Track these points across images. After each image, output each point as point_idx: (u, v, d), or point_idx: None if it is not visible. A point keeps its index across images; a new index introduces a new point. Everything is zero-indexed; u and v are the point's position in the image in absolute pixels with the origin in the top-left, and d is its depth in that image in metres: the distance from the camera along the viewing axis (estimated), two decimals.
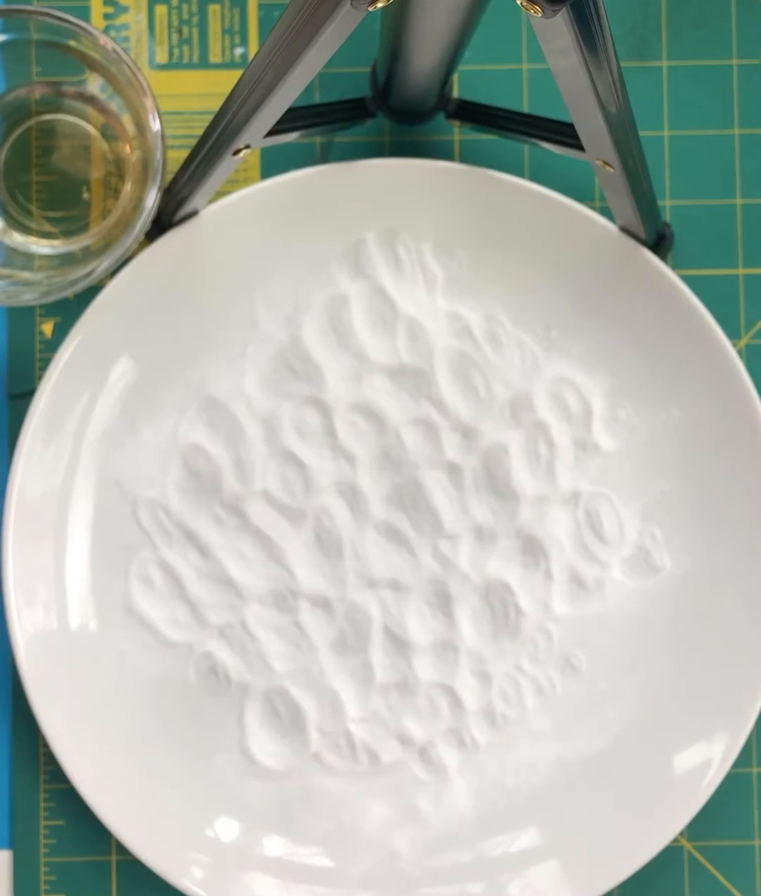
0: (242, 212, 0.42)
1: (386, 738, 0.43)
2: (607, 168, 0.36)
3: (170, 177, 0.40)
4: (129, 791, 0.42)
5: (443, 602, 0.43)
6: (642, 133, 0.36)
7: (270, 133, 0.36)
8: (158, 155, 0.38)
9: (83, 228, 0.43)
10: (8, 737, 0.44)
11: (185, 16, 0.45)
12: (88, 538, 0.43)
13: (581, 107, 0.31)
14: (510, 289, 0.43)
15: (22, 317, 0.44)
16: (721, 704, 0.42)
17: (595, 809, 0.42)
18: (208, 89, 0.45)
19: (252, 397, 0.43)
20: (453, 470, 0.43)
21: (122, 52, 0.38)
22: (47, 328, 0.44)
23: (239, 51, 0.45)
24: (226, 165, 0.37)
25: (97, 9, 0.45)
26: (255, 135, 0.35)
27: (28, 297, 0.40)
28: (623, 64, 0.38)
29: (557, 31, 0.26)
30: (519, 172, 0.44)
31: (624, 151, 0.34)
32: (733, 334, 0.45)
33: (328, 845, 0.42)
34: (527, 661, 0.43)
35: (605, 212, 0.43)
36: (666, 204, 0.45)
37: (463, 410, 0.43)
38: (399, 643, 0.43)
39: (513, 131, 0.41)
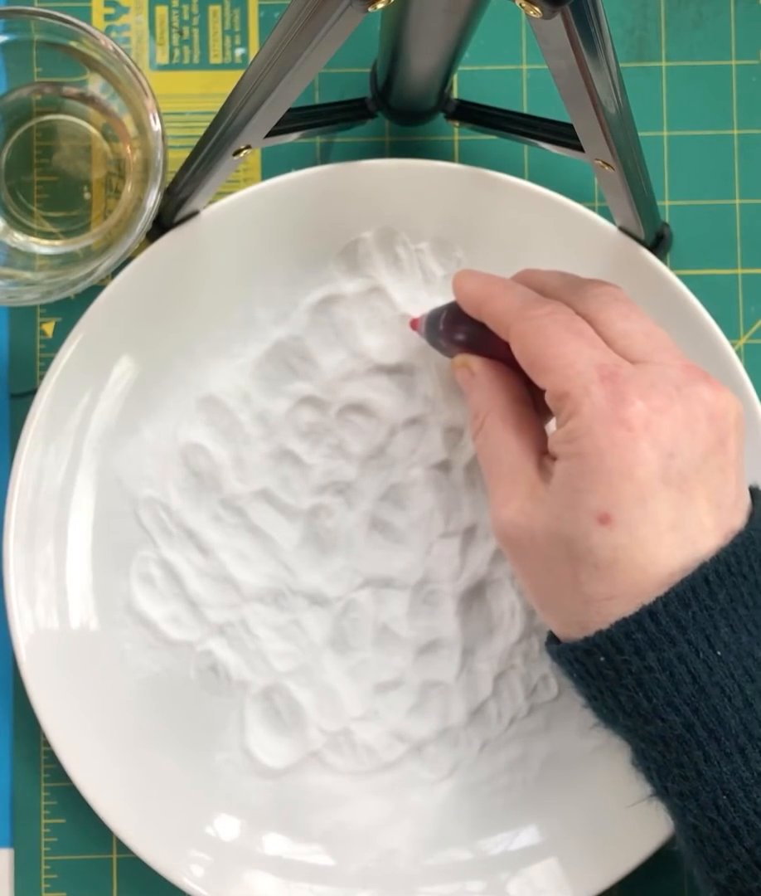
0: (242, 212, 0.42)
1: (385, 736, 0.43)
2: (606, 168, 0.36)
3: (170, 177, 0.41)
4: (129, 789, 0.42)
5: (439, 600, 0.43)
6: (641, 133, 0.36)
7: (271, 133, 0.36)
8: (159, 155, 0.38)
9: (84, 228, 0.44)
10: (9, 735, 0.44)
11: (186, 16, 0.45)
12: (89, 537, 0.43)
13: (580, 107, 0.31)
14: None
15: (23, 317, 0.44)
16: None
17: (593, 807, 0.42)
18: (209, 90, 0.45)
19: (251, 396, 0.43)
20: (449, 468, 0.43)
21: (122, 53, 0.38)
22: (48, 328, 0.44)
23: (239, 51, 0.45)
24: (227, 166, 0.37)
25: (98, 10, 0.45)
26: (256, 135, 0.35)
27: (29, 297, 0.40)
28: (622, 64, 0.38)
29: (556, 32, 0.26)
30: (518, 172, 0.44)
31: (623, 152, 0.35)
32: (732, 334, 0.45)
33: (328, 843, 0.42)
34: (522, 659, 0.43)
35: (604, 212, 0.43)
36: (665, 204, 0.45)
37: (459, 409, 0.43)
38: (397, 641, 0.43)
39: (512, 132, 0.41)
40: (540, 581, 0.35)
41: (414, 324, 0.42)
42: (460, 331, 0.39)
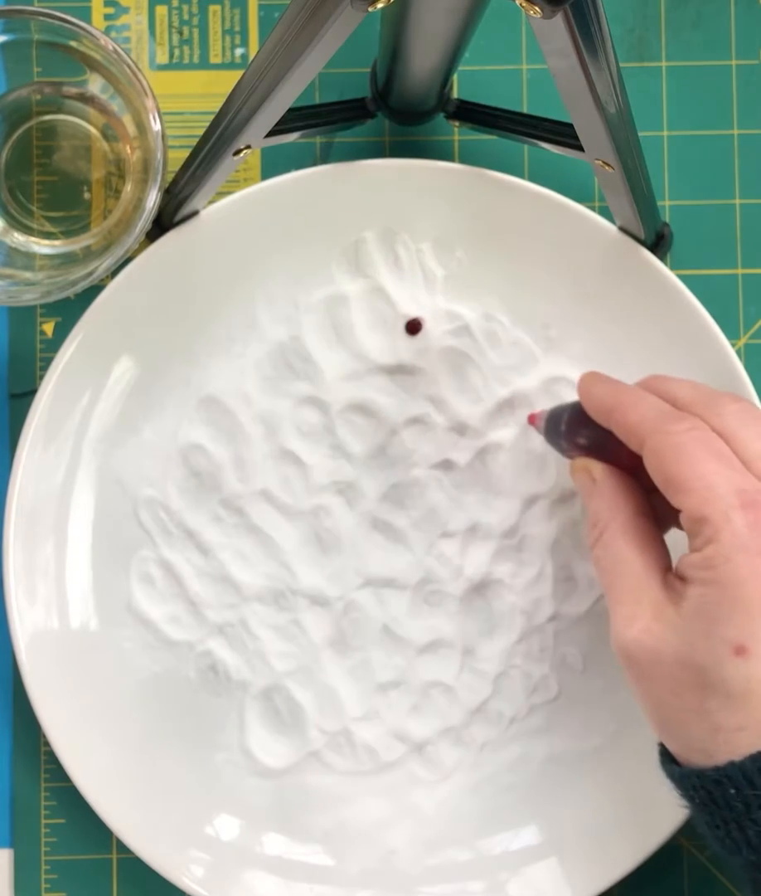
0: (242, 212, 0.42)
1: (385, 736, 0.43)
2: (606, 168, 0.36)
3: (170, 177, 0.41)
4: (129, 789, 0.42)
5: (440, 600, 0.43)
6: (641, 133, 0.36)
7: (271, 133, 0.36)
8: (159, 155, 0.38)
9: (84, 228, 0.44)
10: (9, 735, 0.44)
11: (186, 16, 0.45)
12: (89, 537, 0.43)
13: (580, 107, 0.31)
14: (509, 288, 0.43)
15: (23, 317, 0.44)
16: None
17: (593, 807, 0.42)
18: (209, 90, 0.45)
19: (252, 396, 0.43)
20: (450, 468, 0.43)
21: (122, 53, 0.38)
22: (48, 328, 0.44)
23: (239, 51, 0.45)
24: (227, 166, 0.37)
25: (98, 9, 0.45)
26: (256, 135, 0.35)
27: (29, 297, 0.40)
28: (622, 64, 0.38)
29: (556, 32, 0.26)
30: (518, 172, 0.44)
31: (623, 152, 0.35)
32: (732, 334, 0.45)
33: (328, 843, 0.42)
34: (522, 659, 0.43)
35: (605, 212, 0.43)
36: (666, 204, 0.45)
37: (460, 409, 0.43)
38: (397, 641, 0.43)
39: (512, 131, 0.41)
40: (663, 703, 0.34)
41: (532, 419, 0.41)
42: (583, 435, 0.38)
